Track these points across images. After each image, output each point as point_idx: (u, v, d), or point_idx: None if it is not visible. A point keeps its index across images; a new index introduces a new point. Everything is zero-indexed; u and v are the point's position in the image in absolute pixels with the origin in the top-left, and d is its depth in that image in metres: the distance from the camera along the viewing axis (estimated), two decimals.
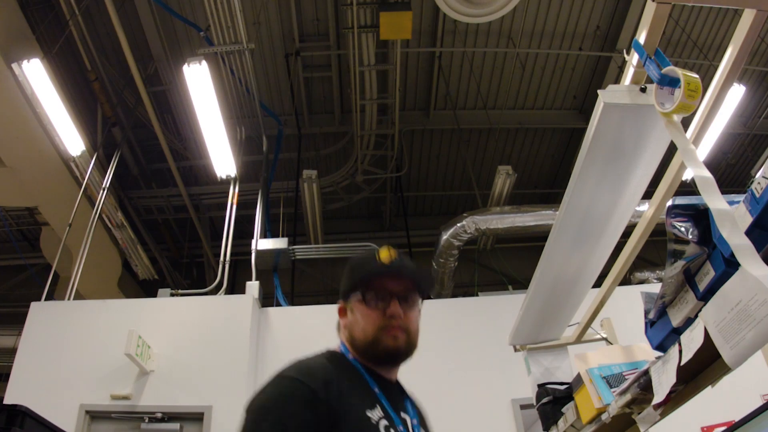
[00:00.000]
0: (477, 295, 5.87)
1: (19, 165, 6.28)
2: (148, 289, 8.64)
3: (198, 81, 5.46)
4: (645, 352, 2.37)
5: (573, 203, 1.84)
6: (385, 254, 1.58)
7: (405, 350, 1.50)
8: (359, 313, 1.54)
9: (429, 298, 1.73)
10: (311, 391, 1.32)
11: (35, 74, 5.39)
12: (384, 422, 1.38)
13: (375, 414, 1.38)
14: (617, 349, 2.50)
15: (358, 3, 5.70)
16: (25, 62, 5.32)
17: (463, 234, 6.18)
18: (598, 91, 1.52)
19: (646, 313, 1.79)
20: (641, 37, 1.46)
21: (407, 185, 8.57)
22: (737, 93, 5.98)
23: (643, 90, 1.51)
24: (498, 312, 4.95)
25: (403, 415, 1.47)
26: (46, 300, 5.57)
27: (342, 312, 1.63)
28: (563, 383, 2.78)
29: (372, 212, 9.06)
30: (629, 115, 1.56)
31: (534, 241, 7.86)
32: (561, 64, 7.37)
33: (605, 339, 3.04)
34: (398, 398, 1.52)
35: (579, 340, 2.96)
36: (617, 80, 7.14)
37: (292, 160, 7.63)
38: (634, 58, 1.53)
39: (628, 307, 3.36)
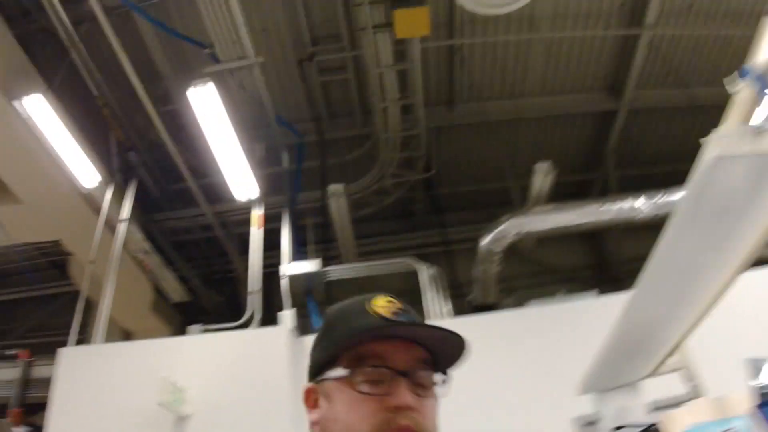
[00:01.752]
0: (525, 305, 5.46)
1: (36, 201, 6.13)
2: (182, 310, 8.46)
3: (204, 104, 5.18)
4: (739, 402, 2.02)
5: (666, 258, 1.50)
6: (381, 303, 1.03)
7: None
8: (343, 402, 0.97)
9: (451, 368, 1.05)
10: None
11: (40, 108, 5.20)
12: None
13: None
14: (707, 403, 2.14)
15: (370, 2, 5.33)
16: (28, 97, 5.13)
17: (503, 239, 5.84)
18: (705, 141, 1.16)
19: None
20: (756, 64, 1.11)
21: (438, 182, 8.20)
22: None
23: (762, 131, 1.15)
24: (549, 323, 4.67)
25: None
26: (79, 335, 5.48)
27: (310, 398, 1.05)
28: (641, 427, 2.44)
29: (403, 212, 8.71)
30: (743, 163, 1.20)
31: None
32: (587, 46, 6.92)
33: (684, 369, 2.69)
34: None
35: (654, 373, 2.62)
36: (648, 56, 6.77)
37: (315, 168, 7.32)
38: (744, 92, 1.17)
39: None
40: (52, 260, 8.71)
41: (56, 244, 8.24)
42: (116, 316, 7.45)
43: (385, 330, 0.99)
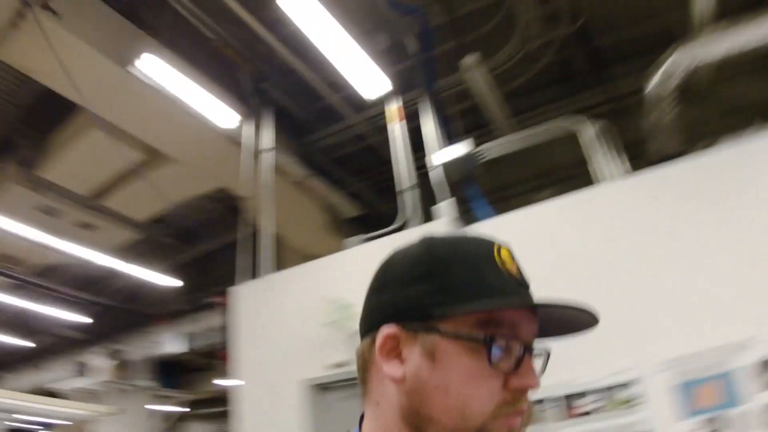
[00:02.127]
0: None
1: (187, 156, 6.36)
2: (360, 224, 8.53)
3: (304, 8, 4.87)
4: None
5: None
6: (506, 256, 0.85)
7: None
8: (462, 371, 0.77)
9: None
10: None
11: (157, 66, 5.24)
12: None
13: None
14: None
15: None
16: (142, 58, 5.19)
17: (672, 77, 5.03)
18: None
19: None
20: None
21: (591, 34, 7.26)
22: None
23: None
24: (747, 165, 3.78)
25: None
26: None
27: (388, 345, 0.83)
28: None
29: (561, 75, 7.84)
30: None
31: None
32: None
33: None
34: None
35: None
36: None
37: (448, 51, 6.81)
38: None
39: None
40: (228, 206, 9.09)
41: (224, 190, 8.61)
42: (294, 243, 7.67)
43: (523, 294, 0.84)
